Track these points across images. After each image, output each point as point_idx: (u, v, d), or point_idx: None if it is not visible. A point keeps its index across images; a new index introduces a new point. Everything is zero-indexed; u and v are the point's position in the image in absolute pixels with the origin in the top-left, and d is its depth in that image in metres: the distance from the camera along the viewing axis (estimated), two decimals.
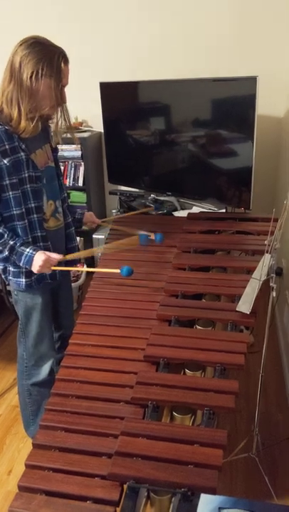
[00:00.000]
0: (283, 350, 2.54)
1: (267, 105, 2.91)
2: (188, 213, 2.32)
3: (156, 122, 2.80)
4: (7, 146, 1.53)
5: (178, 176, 2.81)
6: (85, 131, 3.32)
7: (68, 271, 1.90)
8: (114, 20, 3.14)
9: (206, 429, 1.16)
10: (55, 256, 1.64)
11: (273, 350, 2.60)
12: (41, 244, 1.68)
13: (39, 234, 1.68)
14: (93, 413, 1.25)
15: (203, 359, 1.37)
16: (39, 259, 1.60)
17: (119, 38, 3.18)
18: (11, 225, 1.62)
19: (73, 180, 3.32)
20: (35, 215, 1.65)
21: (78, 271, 2.93)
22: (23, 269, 1.67)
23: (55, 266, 1.65)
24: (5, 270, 1.72)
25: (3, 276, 1.75)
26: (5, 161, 1.53)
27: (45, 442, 1.18)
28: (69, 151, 3.24)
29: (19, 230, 1.62)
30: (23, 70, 1.49)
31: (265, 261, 1.57)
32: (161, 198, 3.00)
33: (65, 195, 1.84)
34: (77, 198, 3.36)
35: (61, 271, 1.77)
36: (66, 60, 1.55)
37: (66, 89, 1.61)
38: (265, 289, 1.56)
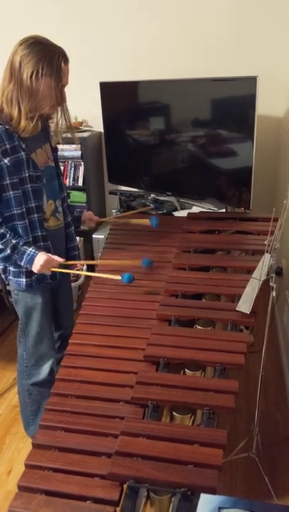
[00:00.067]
0: (283, 350, 2.54)
1: (267, 105, 2.90)
2: (188, 213, 2.31)
3: (156, 122, 2.80)
4: (7, 146, 1.53)
5: (178, 176, 2.81)
6: (85, 131, 3.31)
7: None
8: (114, 20, 3.14)
9: (205, 428, 1.16)
10: (57, 259, 1.64)
11: (273, 350, 2.60)
12: (41, 243, 1.68)
13: (39, 233, 1.68)
14: (93, 413, 1.25)
15: (203, 359, 1.37)
16: (41, 260, 1.60)
17: (119, 38, 3.18)
18: (11, 224, 1.62)
19: (73, 180, 3.32)
20: (35, 215, 1.65)
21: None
22: (24, 269, 1.67)
23: (55, 268, 1.65)
24: (5, 270, 1.72)
25: (3, 276, 1.76)
26: (5, 161, 1.53)
27: (44, 442, 1.18)
28: (69, 150, 3.23)
29: (20, 230, 1.62)
30: (23, 70, 1.49)
31: (265, 261, 1.57)
32: (161, 198, 2.99)
33: (65, 194, 1.84)
34: (77, 197, 3.35)
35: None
36: (66, 60, 1.56)
37: (66, 89, 1.61)
38: (265, 288, 1.56)
